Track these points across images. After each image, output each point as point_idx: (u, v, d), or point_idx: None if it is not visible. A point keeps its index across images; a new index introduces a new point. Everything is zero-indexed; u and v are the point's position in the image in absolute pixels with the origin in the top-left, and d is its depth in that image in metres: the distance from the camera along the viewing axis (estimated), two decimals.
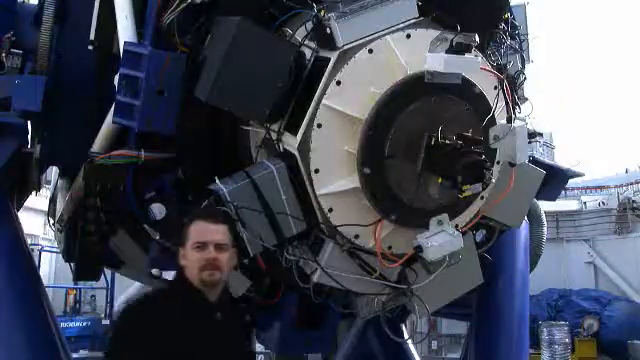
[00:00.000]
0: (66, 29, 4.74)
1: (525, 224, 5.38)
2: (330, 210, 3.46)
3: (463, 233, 3.72)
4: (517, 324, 5.40)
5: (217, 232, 2.81)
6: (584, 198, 23.11)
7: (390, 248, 3.62)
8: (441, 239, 3.44)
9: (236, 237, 3.04)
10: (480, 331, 5.55)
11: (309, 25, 3.50)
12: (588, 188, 23.51)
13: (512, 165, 3.63)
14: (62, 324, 12.37)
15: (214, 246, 2.77)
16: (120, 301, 17.61)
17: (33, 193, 5.80)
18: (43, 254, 15.28)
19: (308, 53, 3.54)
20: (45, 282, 6.68)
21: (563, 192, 15.39)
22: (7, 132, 4.52)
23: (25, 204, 5.93)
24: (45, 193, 8.38)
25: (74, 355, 11.43)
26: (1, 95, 4.55)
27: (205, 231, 2.80)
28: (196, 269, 2.75)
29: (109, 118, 3.97)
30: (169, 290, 3.16)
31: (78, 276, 6.19)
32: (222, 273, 2.79)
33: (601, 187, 23.74)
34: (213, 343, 2.73)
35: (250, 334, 3.15)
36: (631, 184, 22.74)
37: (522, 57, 4.48)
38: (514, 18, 4.37)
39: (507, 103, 3.80)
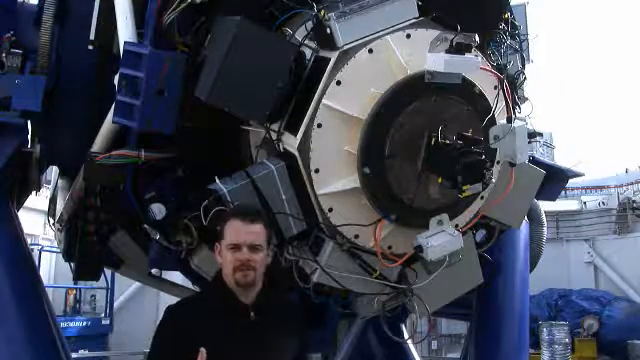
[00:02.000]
0: (66, 29, 4.74)
1: (525, 224, 5.38)
2: (330, 210, 3.47)
3: (463, 233, 3.72)
4: (517, 324, 5.40)
5: (251, 233, 2.83)
6: (584, 198, 23.07)
7: (390, 248, 3.63)
8: (441, 239, 3.44)
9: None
10: (480, 331, 5.54)
11: (309, 25, 3.50)
12: (588, 188, 23.47)
13: (512, 165, 3.63)
14: (62, 324, 12.36)
15: (248, 247, 2.79)
16: (120, 301, 17.70)
17: (33, 193, 5.80)
18: (43, 254, 15.23)
19: (308, 53, 3.54)
20: (45, 282, 6.67)
21: (563, 192, 15.38)
22: (7, 132, 4.51)
23: (25, 204, 5.92)
24: (45, 193, 8.38)
25: (74, 355, 11.46)
26: (1, 95, 4.54)
27: (239, 232, 2.82)
28: (230, 269, 2.80)
29: (109, 118, 3.97)
30: (204, 292, 3.28)
31: (78, 276, 6.18)
32: (256, 273, 2.82)
33: (601, 187, 23.71)
34: (243, 345, 2.74)
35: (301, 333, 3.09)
36: (631, 184, 22.70)
37: (522, 57, 4.48)
38: (514, 18, 4.37)
39: (507, 103, 3.81)
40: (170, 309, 2.88)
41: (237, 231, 2.82)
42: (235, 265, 2.78)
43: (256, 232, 2.85)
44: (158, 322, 2.85)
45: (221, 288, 2.85)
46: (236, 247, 2.80)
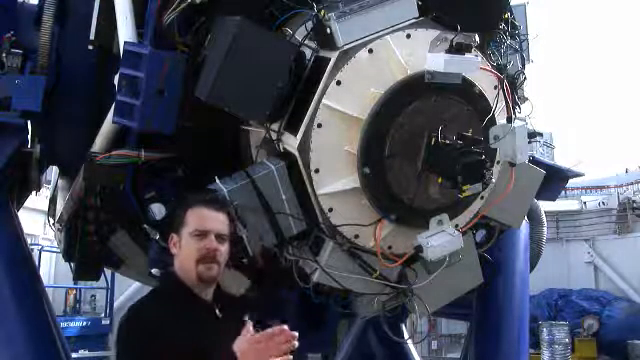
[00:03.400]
0: (66, 29, 4.74)
1: (525, 224, 5.39)
2: (330, 210, 3.46)
3: (463, 233, 3.72)
4: (517, 324, 5.41)
5: (219, 221, 2.61)
6: (584, 198, 23.06)
7: (390, 248, 3.63)
8: (441, 239, 3.45)
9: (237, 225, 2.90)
10: (480, 331, 5.55)
11: (309, 25, 3.50)
12: (588, 188, 23.47)
13: (512, 165, 3.63)
14: (62, 324, 12.34)
15: (215, 235, 2.56)
16: (120, 301, 17.69)
17: (33, 193, 5.80)
18: (43, 254, 15.21)
19: (308, 53, 3.54)
20: (45, 282, 6.67)
21: (563, 192, 15.38)
22: (7, 132, 4.52)
23: (25, 204, 5.92)
24: (45, 193, 8.37)
25: (74, 355, 11.44)
26: (1, 95, 4.55)
27: (207, 218, 2.57)
28: (193, 260, 2.52)
29: (109, 118, 3.97)
30: (161, 292, 2.81)
31: (78, 276, 6.18)
32: (220, 268, 2.58)
33: (601, 187, 23.71)
34: (217, 343, 2.47)
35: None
36: (631, 184, 22.70)
37: (522, 57, 4.48)
38: (514, 18, 4.38)
39: (507, 103, 3.81)
40: (130, 318, 2.53)
41: (204, 218, 2.57)
42: (201, 254, 2.51)
43: (223, 221, 2.61)
44: (117, 333, 2.53)
45: (179, 287, 2.57)
46: (202, 234, 2.53)
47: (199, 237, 2.55)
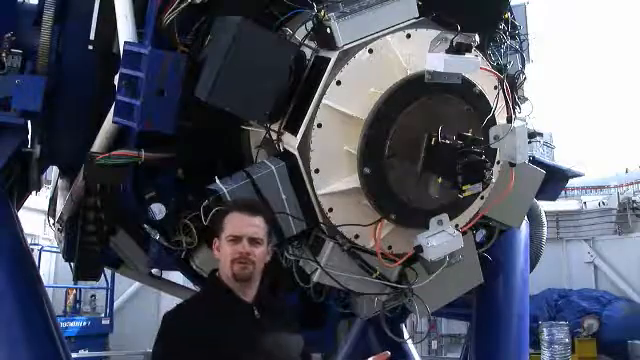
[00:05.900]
0: (66, 29, 4.74)
1: (525, 224, 5.38)
2: (330, 210, 3.47)
3: (463, 233, 3.72)
4: (517, 324, 5.40)
5: (252, 225, 2.75)
6: (584, 198, 23.00)
7: (390, 248, 3.63)
8: (441, 239, 3.44)
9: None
10: (480, 331, 5.55)
11: (309, 25, 3.50)
12: (588, 188, 23.42)
13: (512, 165, 3.63)
14: (62, 324, 12.33)
15: (248, 240, 2.72)
16: (120, 301, 17.70)
17: (33, 193, 5.80)
18: (43, 254, 15.18)
19: (308, 53, 3.54)
20: (45, 282, 6.67)
21: (563, 192, 15.34)
22: (7, 132, 4.52)
23: (25, 204, 5.92)
24: (45, 193, 8.38)
25: (74, 355, 11.43)
26: (1, 95, 4.55)
27: (240, 224, 2.74)
28: (228, 262, 2.71)
29: (109, 118, 3.97)
30: (201, 294, 3.12)
31: (78, 276, 6.19)
32: (255, 267, 2.74)
33: (601, 187, 23.66)
34: (254, 344, 2.66)
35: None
36: (631, 184, 22.65)
37: (522, 57, 4.48)
38: (514, 18, 4.38)
39: (507, 103, 3.81)
40: (170, 316, 2.75)
41: (238, 223, 2.75)
42: (234, 257, 2.70)
43: (256, 225, 2.77)
44: (158, 331, 2.70)
45: (220, 288, 2.78)
46: (236, 239, 2.71)
47: (233, 241, 2.73)
